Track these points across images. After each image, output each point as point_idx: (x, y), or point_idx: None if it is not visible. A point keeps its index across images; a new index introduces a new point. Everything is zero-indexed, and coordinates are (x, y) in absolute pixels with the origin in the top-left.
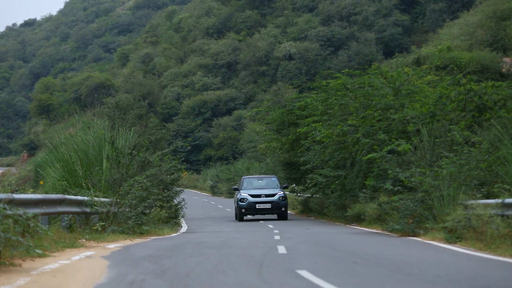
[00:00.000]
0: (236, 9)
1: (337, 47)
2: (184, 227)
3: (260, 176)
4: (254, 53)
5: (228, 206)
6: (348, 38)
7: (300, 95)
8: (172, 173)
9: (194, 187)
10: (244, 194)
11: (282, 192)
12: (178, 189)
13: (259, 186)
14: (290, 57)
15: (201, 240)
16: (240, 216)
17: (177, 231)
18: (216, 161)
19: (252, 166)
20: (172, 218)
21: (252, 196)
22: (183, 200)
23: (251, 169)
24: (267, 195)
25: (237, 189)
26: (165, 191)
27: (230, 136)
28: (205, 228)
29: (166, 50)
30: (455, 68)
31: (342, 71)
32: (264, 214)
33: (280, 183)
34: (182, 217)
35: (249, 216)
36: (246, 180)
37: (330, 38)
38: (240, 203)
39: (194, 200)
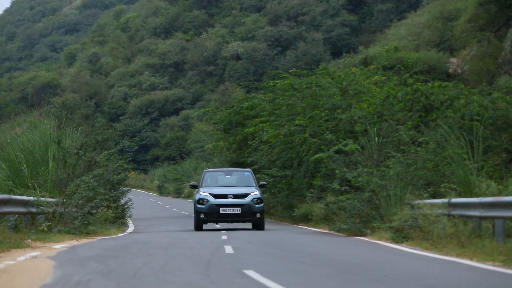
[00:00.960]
0: (184, 8)
1: (284, 47)
2: (131, 227)
3: (229, 169)
4: (201, 53)
5: (175, 206)
6: (296, 38)
7: (248, 95)
8: (119, 173)
9: (141, 187)
10: (204, 193)
11: (257, 192)
12: (125, 189)
13: (227, 183)
14: (237, 57)
15: (148, 240)
16: (197, 223)
17: (124, 231)
18: (163, 161)
19: (199, 166)
20: (119, 218)
21: (215, 196)
22: (130, 200)
23: (198, 169)
24: (236, 196)
25: (195, 186)
26: (112, 191)
27: (178, 136)
28: (152, 228)
29: (113, 49)
30: (402, 68)
31: (290, 71)
32: (231, 221)
33: (255, 180)
34: (129, 217)
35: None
36: (209, 174)
37: (277, 38)
38: (198, 205)
39: (141, 200)
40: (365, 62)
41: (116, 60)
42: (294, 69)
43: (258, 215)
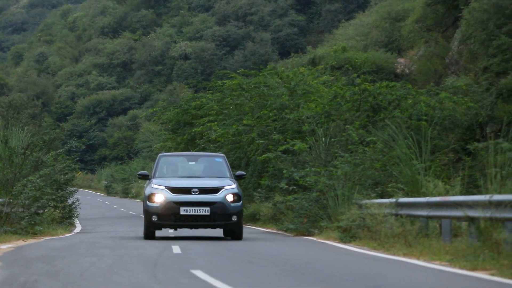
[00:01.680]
0: (132, 8)
1: (233, 47)
2: (78, 227)
3: (193, 153)
4: (149, 53)
5: (122, 206)
6: (244, 38)
7: (196, 94)
8: (66, 173)
9: (89, 187)
10: (158, 186)
11: (234, 186)
12: (72, 189)
13: (191, 173)
14: (185, 57)
15: (95, 241)
16: (148, 229)
17: (71, 231)
18: (111, 160)
19: (147, 166)
20: (66, 218)
21: (174, 190)
22: (77, 200)
23: (146, 168)
24: (204, 190)
25: (146, 177)
26: (59, 191)
27: (125, 136)
28: (99, 228)
29: (61, 49)
30: (350, 69)
31: (238, 71)
32: (196, 226)
33: (230, 169)
34: (76, 217)
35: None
36: (166, 160)
37: (226, 38)
38: (149, 203)
39: (89, 200)
40: (313, 62)
41: (63, 60)
42: (242, 69)
43: (234, 218)
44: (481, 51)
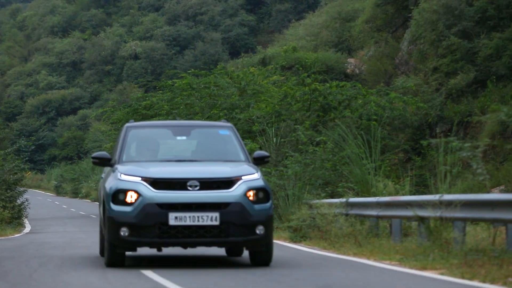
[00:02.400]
0: (81, 7)
1: (183, 47)
2: (28, 228)
3: (183, 122)
4: (99, 52)
5: (72, 206)
6: (194, 38)
7: (146, 94)
8: (15, 173)
9: (38, 187)
10: (128, 176)
11: (257, 175)
12: (21, 189)
13: (180, 154)
14: (135, 57)
15: (45, 241)
16: (112, 251)
17: (20, 231)
18: (60, 160)
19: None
20: (15, 219)
21: (158, 184)
22: (27, 200)
23: (96, 169)
24: (208, 184)
25: (106, 161)
26: (8, 191)
27: (75, 135)
28: (49, 229)
29: (10, 48)
30: (301, 69)
31: (188, 71)
32: (194, 244)
33: (245, 147)
34: (26, 217)
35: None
36: (137, 133)
37: (176, 38)
38: (113, 206)
39: (38, 200)
40: (264, 62)
41: (12, 59)
42: (192, 69)
43: (260, 230)
44: (430, 51)
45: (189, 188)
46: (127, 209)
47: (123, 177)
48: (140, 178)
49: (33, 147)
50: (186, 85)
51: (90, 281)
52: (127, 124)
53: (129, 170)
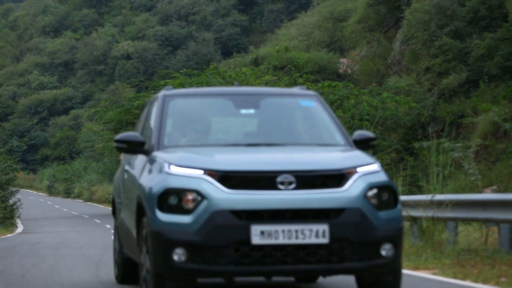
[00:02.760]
0: (73, 7)
1: (175, 47)
2: (20, 228)
3: (244, 89)
4: (91, 52)
5: (65, 206)
6: (187, 38)
7: (138, 94)
8: (8, 173)
9: (31, 187)
10: (183, 169)
11: (377, 165)
12: (13, 189)
13: (250, 138)
14: (128, 57)
15: (38, 241)
16: (155, 285)
17: (12, 231)
18: (53, 160)
19: (89, 166)
20: (7, 219)
21: (234, 181)
22: (19, 200)
23: (88, 169)
24: (308, 179)
25: (138, 146)
26: (0, 191)
27: (67, 135)
28: (41, 229)
29: (2, 48)
30: (293, 69)
31: (181, 71)
32: (289, 273)
33: (340, 125)
34: (18, 217)
35: None
36: (180, 104)
37: (168, 38)
38: (159, 215)
39: (31, 200)
40: (256, 62)
41: (4, 59)
42: (184, 69)
43: (385, 251)
44: (423, 51)
45: (280, 186)
46: (185, 219)
47: (175, 169)
48: (202, 171)
49: (25, 147)
50: (179, 85)
51: (83, 280)
52: (163, 92)
53: (183, 159)
